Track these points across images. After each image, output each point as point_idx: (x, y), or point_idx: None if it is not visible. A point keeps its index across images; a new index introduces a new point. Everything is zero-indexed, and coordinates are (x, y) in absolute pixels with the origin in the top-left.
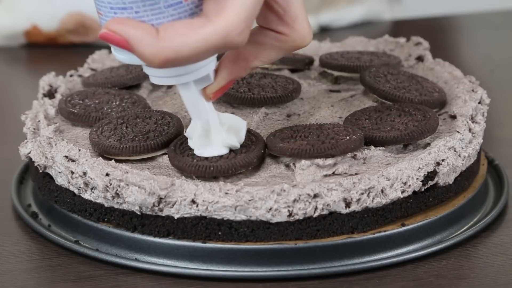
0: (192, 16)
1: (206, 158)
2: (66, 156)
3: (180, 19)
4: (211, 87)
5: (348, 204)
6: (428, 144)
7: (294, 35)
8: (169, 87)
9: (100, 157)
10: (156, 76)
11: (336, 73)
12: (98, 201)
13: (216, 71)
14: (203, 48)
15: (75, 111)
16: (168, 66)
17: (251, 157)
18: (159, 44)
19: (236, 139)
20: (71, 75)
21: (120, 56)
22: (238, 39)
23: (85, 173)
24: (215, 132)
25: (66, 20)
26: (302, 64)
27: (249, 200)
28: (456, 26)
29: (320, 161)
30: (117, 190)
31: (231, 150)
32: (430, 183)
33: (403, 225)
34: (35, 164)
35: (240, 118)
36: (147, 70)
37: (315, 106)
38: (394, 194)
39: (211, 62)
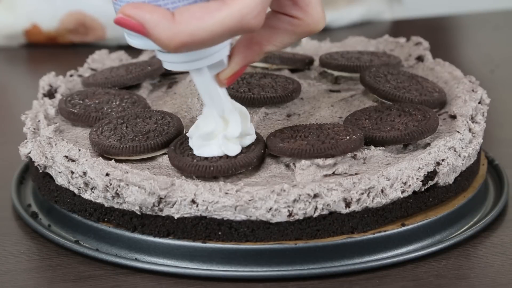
0: None
1: (206, 158)
2: (66, 156)
3: (196, 2)
4: (225, 73)
5: (348, 204)
6: (428, 144)
7: (308, 19)
8: (169, 87)
9: (100, 157)
10: (170, 61)
11: (336, 73)
12: (98, 201)
13: (230, 56)
14: (219, 31)
15: (75, 111)
16: (183, 50)
17: (251, 157)
18: (175, 28)
19: (237, 146)
20: (71, 75)
21: (134, 42)
22: (254, 22)
23: (85, 173)
24: (230, 116)
25: (66, 20)
26: (302, 64)
27: (249, 200)
28: (456, 26)
29: (320, 161)
30: (117, 190)
31: None
32: (430, 183)
33: (403, 225)
34: (35, 164)
35: (254, 130)
36: (160, 55)
37: (315, 106)
38: (394, 194)
39: (225, 47)
